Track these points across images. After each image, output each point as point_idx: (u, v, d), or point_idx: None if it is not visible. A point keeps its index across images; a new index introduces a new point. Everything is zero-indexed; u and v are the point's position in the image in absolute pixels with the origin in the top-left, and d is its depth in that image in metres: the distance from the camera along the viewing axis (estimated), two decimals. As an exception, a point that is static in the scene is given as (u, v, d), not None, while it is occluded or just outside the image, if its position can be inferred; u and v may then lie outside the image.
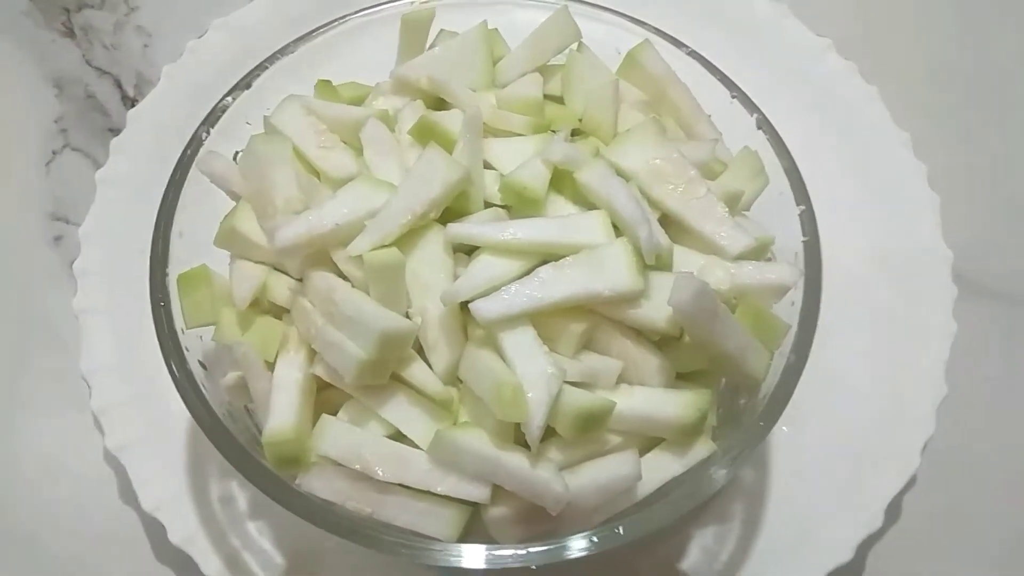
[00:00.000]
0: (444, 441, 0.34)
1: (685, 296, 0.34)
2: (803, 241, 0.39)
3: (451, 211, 0.38)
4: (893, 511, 0.44)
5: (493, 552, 0.33)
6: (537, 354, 0.34)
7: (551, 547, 0.33)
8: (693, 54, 0.45)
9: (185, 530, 0.42)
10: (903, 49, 0.64)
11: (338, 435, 0.35)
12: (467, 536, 0.36)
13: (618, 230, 0.37)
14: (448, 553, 0.33)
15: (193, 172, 0.40)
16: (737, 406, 0.39)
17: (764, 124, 0.42)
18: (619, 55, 0.46)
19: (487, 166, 0.40)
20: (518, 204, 0.38)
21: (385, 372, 0.35)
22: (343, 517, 0.34)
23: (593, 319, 0.36)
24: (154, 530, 0.43)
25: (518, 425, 0.34)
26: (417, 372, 0.35)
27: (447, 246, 0.37)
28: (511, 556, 0.33)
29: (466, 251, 0.38)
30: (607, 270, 0.35)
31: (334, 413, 0.37)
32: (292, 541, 0.42)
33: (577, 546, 0.33)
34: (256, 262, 0.39)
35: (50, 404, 0.49)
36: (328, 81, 0.45)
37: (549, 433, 0.34)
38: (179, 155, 0.41)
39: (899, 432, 0.45)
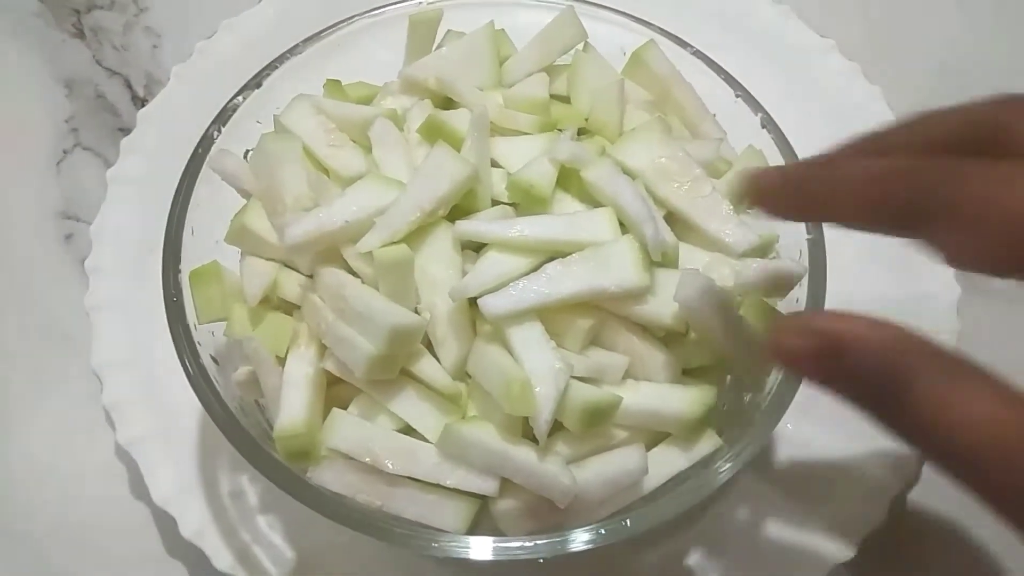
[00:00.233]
0: (453, 435, 0.34)
1: (690, 292, 0.34)
2: (807, 239, 0.39)
3: (459, 209, 0.38)
4: (897, 508, 0.44)
5: (501, 544, 0.34)
6: (545, 349, 0.34)
7: (558, 539, 0.33)
8: (698, 54, 0.45)
9: (196, 524, 0.43)
10: (906, 50, 0.64)
11: (348, 429, 0.36)
12: (475, 528, 0.36)
13: (624, 227, 0.37)
14: (457, 545, 0.34)
15: (204, 170, 0.41)
16: (742, 402, 0.40)
17: (768, 123, 0.43)
18: (624, 55, 0.46)
19: (494, 164, 0.41)
20: (525, 202, 0.39)
21: (395, 367, 0.36)
22: (353, 510, 0.35)
23: (600, 315, 0.36)
24: (165, 524, 0.44)
25: (526, 419, 0.34)
26: (426, 367, 0.36)
27: (455, 243, 0.37)
28: (519, 548, 0.33)
29: (474, 248, 0.38)
30: (613, 267, 0.35)
31: (344, 407, 0.37)
32: (302, 535, 0.43)
33: (584, 539, 0.33)
34: (267, 259, 0.40)
35: (61, 399, 0.50)
36: (337, 81, 0.45)
37: (556, 427, 0.35)
38: (189, 154, 0.42)
39: (902, 428, 0.45)
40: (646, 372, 0.37)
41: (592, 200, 0.39)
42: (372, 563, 0.42)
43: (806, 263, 0.39)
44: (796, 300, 0.39)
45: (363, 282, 0.37)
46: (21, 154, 0.59)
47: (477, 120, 0.39)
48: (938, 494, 0.47)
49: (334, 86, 0.45)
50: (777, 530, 0.44)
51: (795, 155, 0.42)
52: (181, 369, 0.37)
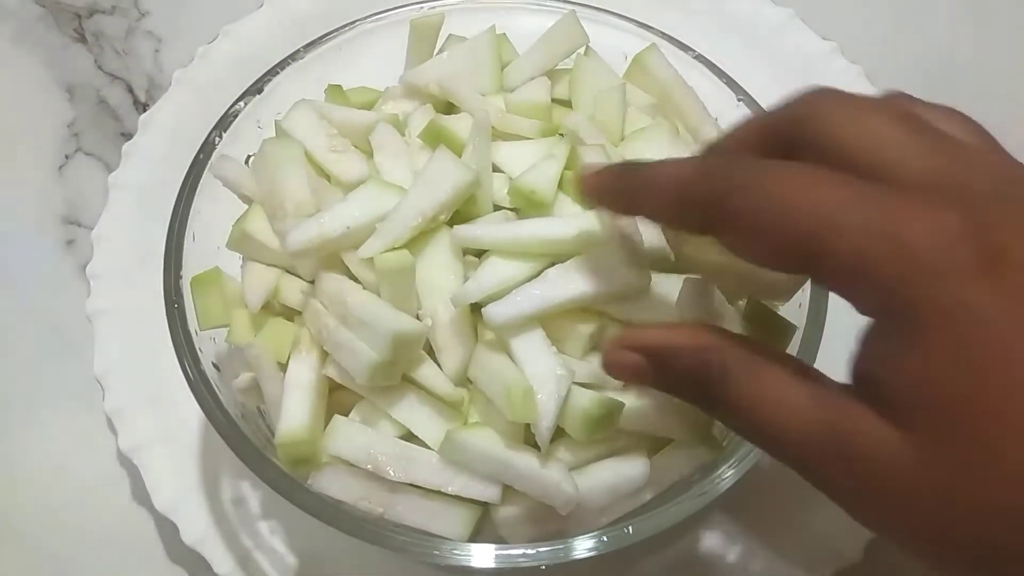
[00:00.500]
0: (454, 442, 0.34)
1: (692, 298, 0.34)
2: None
3: (460, 214, 0.38)
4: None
5: (503, 551, 0.33)
6: (546, 355, 0.34)
7: (560, 547, 0.33)
8: (699, 58, 0.45)
9: (198, 531, 0.43)
10: (909, 52, 0.64)
11: (350, 436, 0.35)
12: (477, 536, 0.36)
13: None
14: (458, 552, 0.34)
15: (206, 176, 0.41)
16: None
17: (771, 127, 0.43)
18: (626, 59, 0.46)
19: (496, 169, 0.41)
20: (527, 207, 0.39)
21: (396, 373, 0.36)
22: (355, 517, 0.35)
23: (601, 320, 0.36)
24: (167, 530, 0.44)
25: (528, 426, 0.34)
26: (428, 373, 0.36)
27: (457, 249, 0.37)
28: (521, 555, 0.33)
29: (476, 254, 0.38)
30: (614, 270, 0.35)
31: (346, 414, 0.37)
32: (304, 542, 0.43)
33: (586, 546, 0.33)
34: (268, 265, 0.39)
35: (63, 406, 0.50)
36: (338, 86, 0.45)
37: (559, 434, 0.34)
38: (190, 159, 0.41)
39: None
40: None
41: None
42: (374, 570, 0.42)
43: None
44: (799, 305, 0.39)
45: (365, 288, 0.37)
46: (23, 159, 0.59)
47: (478, 125, 0.39)
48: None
49: (335, 91, 0.45)
50: (780, 534, 0.44)
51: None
52: (182, 375, 0.36)
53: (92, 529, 0.46)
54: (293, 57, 0.45)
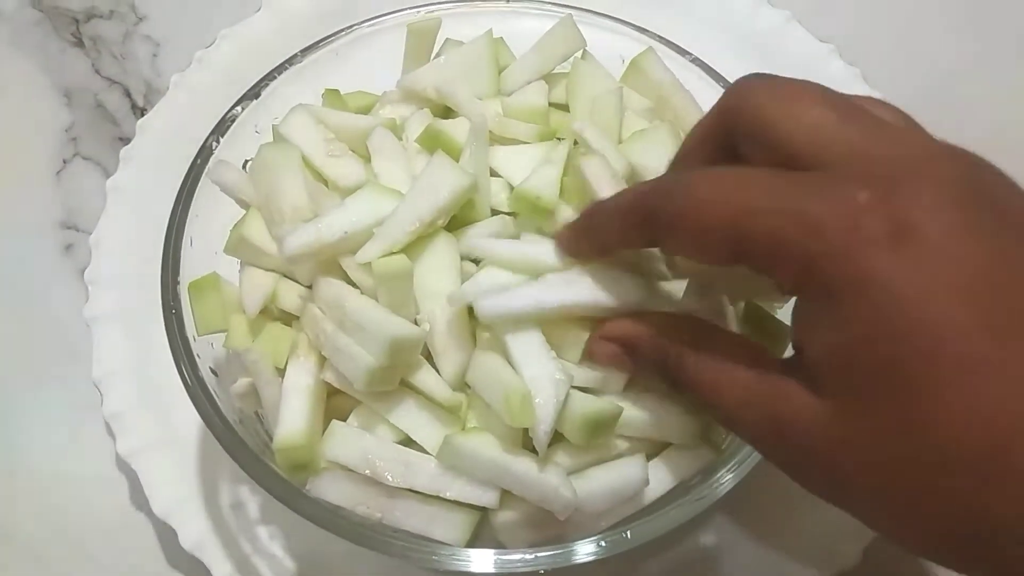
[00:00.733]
0: (453, 446, 0.34)
1: (695, 299, 0.34)
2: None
3: (458, 219, 0.38)
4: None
5: (501, 556, 0.33)
6: (545, 360, 0.34)
7: (559, 552, 0.33)
8: (696, 61, 0.45)
9: (196, 535, 0.42)
10: (907, 54, 0.64)
11: (348, 441, 0.35)
12: (476, 540, 0.36)
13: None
14: (457, 557, 0.34)
15: (203, 181, 0.41)
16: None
17: (768, 130, 0.43)
18: (623, 63, 0.46)
19: (493, 174, 0.41)
20: (530, 214, 0.38)
21: (394, 378, 0.36)
22: (353, 522, 0.35)
23: (601, 325, 0.36)
24: (165, 535, 0.44)
25: (526, 430, 0.34)
26: (426, 378, 0.36)
27: (454, 253, 0.37)
28: (519, 560, 0.33)
29: (474, 259, 0.38)
30: (616, 282, 0.35)
31: (344, 419, 0.37)
32: (302, 546, 0.43)
33: (585, 551, 0.33)
34: (266, 269, 0.39)
35: (61, 410, 0.50)
36: (336, 90, 0.45)
37: (557, 438, 0.34)
38: (188, 164, 0.42)
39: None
40: (648, 382, 0.36)
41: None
42: (372, 574, 0.42)
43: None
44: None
45: (363, 293, 0.37)
46: (21, 164, 0.59)
47: (476, 129, 0.39)
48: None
49: (333, 95, 0.45)
50: (779, 538, 0.44)
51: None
52: (180, 381, 0.36)
53: (90, 534, 0.46)
54: (290, 61, 0.45)
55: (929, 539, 0.23)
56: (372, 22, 0.47)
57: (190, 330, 0.38)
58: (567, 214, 0.38)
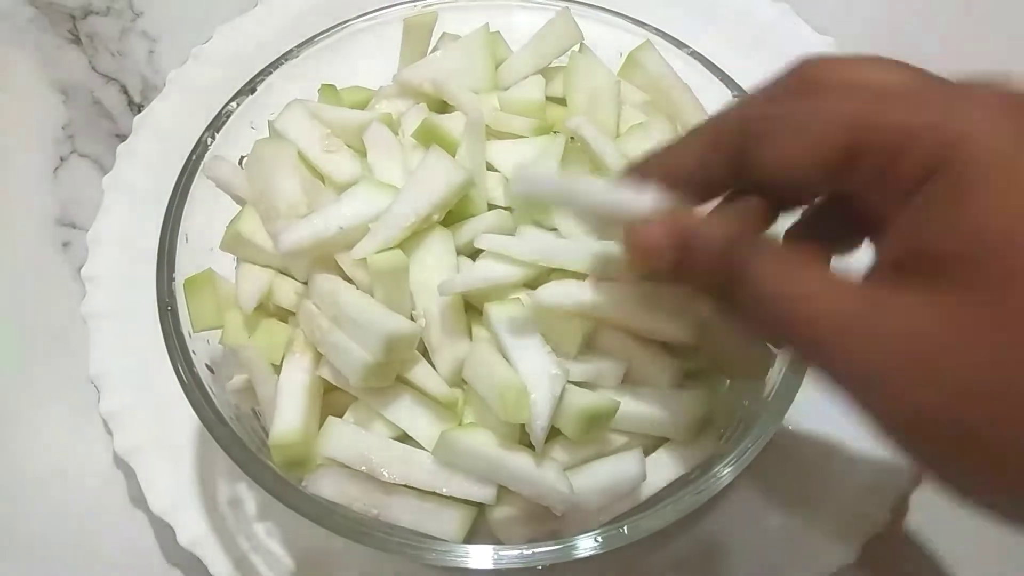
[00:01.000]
0: (449, 442, 0.34)
1: (703, 312, 0.34)
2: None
3: (454, 213, 0.38)
4: (899, 510, 0.44)
5: (499, 552, 0.33)
6: (540, 355, 0.34)
7: (556, 547, 0.33)
8: (694, 54, 0.45)
9: (194, 532, 0.42)
10: (904, 47, 0.64)
11: (344, 437, 0.35)
12: (473, 536, 0.36)
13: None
14: (454, 553, 0.34)
15: (199, 177, 0.41)
16: (742, 405, 0.39)
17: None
18: (620, 56, 0.46)
19: (490, 168, 0.40)
20: (527, 209, 0.38)
21: (390, 374, 0.35)
22: (350, 518, 0.34)
23: (595, 322, 0.36)
24: (163, 532, 0.44)
25: (523, 426, 0.34)
26: (422, 374, 0.36)
27: (451, 249, 0.37)
28: (517, 556, 0.33)
29: (470, 254, 0.38)
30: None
31: (340, 415, 0.37)
32: (300, 543, 0.43)
33: (582, 546, 0.33)
34: (262, 266, 0.39)
35: (59, 408, 0.50)
36: (332, 85, 0.45)
37: (554, 433, 0.34)
38: (184, 160, 0.41)
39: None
40: (645, 376, 0.36)
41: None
42: (370, 571, 0.42)
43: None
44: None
45: (358, 289, 0.36)
46: (18, 161, 0.59)
47: (472, 124, 0.39)
48: (941, 496, 0.47)
49: (329, 90, 0.45)
50: (777, 533, 0.44)
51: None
52: (176, 378, 0.36)
53: (88, 531, 0.46)
54: (286, 57, 0.45)
55: None
56: (368, 17, 0.47)
57: (186, 327, 0.38)
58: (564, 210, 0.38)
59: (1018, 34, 0.64)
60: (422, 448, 0.35)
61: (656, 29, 0.46)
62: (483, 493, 0.35)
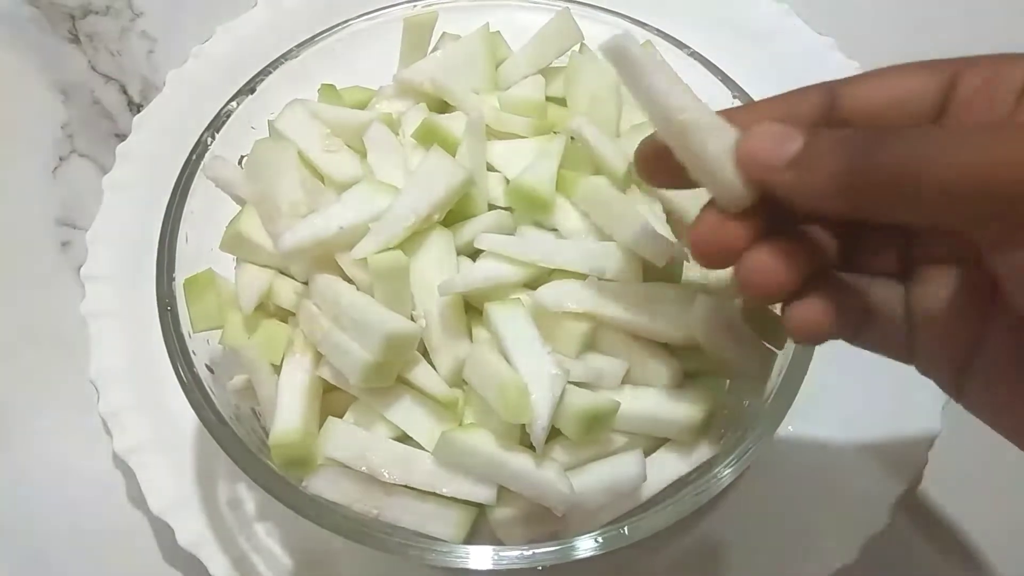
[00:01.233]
0: (449, 443, 0.34)
1: (703, 317, 0.34)
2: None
3: (454, 213, 0.38)
4: (898, 511, 0.44)
5: (499, 553, 0.33)
6: (541, 355, 0.34)
7: (557, 548, 0.33)
8: (694, 55, 0.45)
9: (194, 532, 0.42)
10: (906, 48, 0.64)
11: (344, 437, 0.35)
12: (473, 537, 0.36)
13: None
14: (454, 554, 0.34)
15: (198, 177, 0.41)
16: (742, 405, 0.39)
17: (766, 124, 0.42)
18: (621, 56, 0.46)
19: (490, 168, 0.40)
20: (527, 208, 0.38)
21: (391, 374, 0.35)
22: (350, 519, 0.34)
23: (595, 322, 0.36)
24: (163, 533, 0.44)
25: (523, 426, 0.34)
26: (422, 374, 0.36)
27: (451, 249, 0.37)
28: (517, 557, 0.33)
29: (470, 254, 0.38)
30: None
31: (340, 415, 0.37)
32: (300, 543, 0.43)
33: (583, 547, 0.33)
34: (262, 266, 0.39)
35: (58, 408, 0.50)
36: (332, 85, 0.45)
37: (554, 434, 0.34)
38: (184, 160, 0.41)
39: (905, 431, 0.45)
40: (645, 377, 0.36)
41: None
42: (370, 571, 0.42)
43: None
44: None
45: (358, 289, 0.36)
46: (17, 161, 0.59)
47: (472, 124, 0.39)
48: (941, 495, 0.47)
49: (329, 90, 0.45)
50: (778, 534, 0.44)
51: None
52: (176, 378, 0.36)
53: (87, 531, 0.46)
54: (286, 56, 0.45)
55: None
56: (368, 16, 0.47)
57: (185, 327, 0.38)
58: (564, 209, 0.38)
59: (1018, 34, 0.64)
60: (422, 448, 0.35)
61: (656, 29, 0.46)
62: (483, 493, 0.34)
